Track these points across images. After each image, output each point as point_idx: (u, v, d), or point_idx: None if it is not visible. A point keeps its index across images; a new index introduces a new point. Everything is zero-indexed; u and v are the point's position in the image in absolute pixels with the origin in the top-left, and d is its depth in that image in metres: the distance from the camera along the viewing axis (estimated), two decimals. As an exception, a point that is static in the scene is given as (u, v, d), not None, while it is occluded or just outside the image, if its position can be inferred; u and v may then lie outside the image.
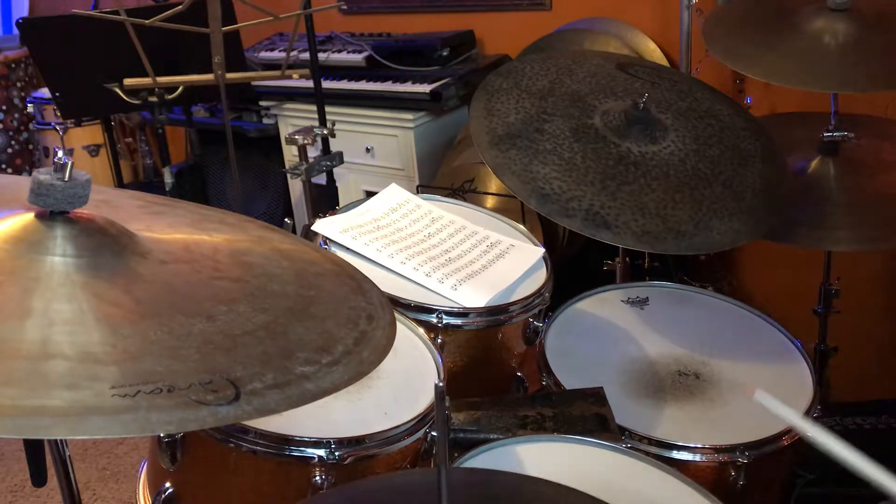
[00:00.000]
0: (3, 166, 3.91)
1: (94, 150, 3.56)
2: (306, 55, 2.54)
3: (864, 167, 1.64)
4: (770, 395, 0.95)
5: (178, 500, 1.09)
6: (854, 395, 2.00)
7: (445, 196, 1.87)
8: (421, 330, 1.28)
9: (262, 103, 3.07)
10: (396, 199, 1.60)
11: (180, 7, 1.76)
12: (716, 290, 1.86)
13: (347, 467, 1.02)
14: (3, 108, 3.87)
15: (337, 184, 2.63)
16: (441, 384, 0.66)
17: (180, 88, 2.32)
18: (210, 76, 1.85)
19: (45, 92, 3.49)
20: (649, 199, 1.36)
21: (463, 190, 2.35)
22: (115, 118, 3.64)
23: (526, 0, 2.85)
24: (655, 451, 1.21)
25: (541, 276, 1.49)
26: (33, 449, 1.06)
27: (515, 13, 2.90)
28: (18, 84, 3.93)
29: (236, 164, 1.96)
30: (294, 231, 2.07)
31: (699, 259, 2.40)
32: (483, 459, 1.08)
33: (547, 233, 2.14)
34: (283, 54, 2.62)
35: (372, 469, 1.06)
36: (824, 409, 1.37)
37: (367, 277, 0.94)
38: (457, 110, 2.74)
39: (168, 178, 2.47)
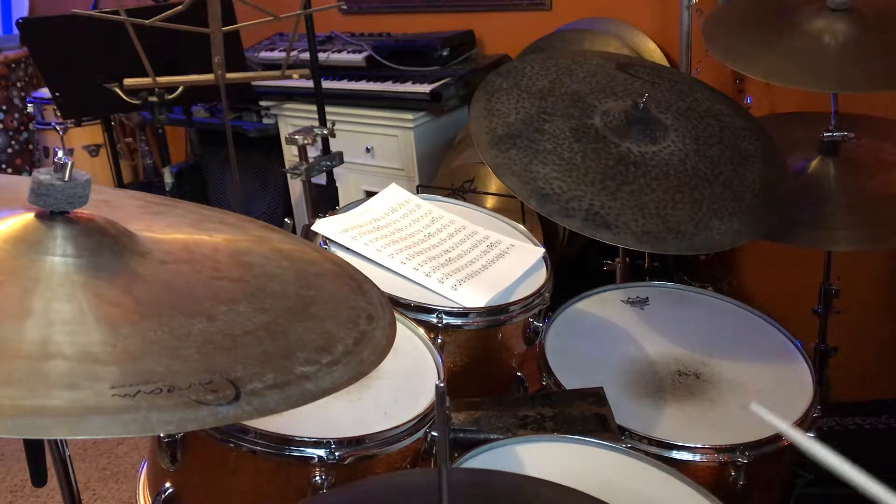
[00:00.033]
0: (3, 166, 3.91)
1: (94, 150, 3.56)
2: (306, 55, 2.54)
3: (864, 167, 1.64)
4: (766, 408, 0.95)
5: (178, 500, 1.09)
6: (854, 395, 2.00)
7: (445, 196, 1.87)
8: (421, 330, 1.28)
9: (262, 103, 3.07)
10: (396, 199, 1.60)
11: (180, 7, 1.76)
12: (716, 290, 1.86)
13: (347, 467, 1.02)
14: (3, 108, 3.87)
15: (337, 184, 2.63)
16: (441, 384, 0.66)
17: (180, 88, 2.32)
18: (210, 76, 1.85)
19: (45, 92, 3.49)
20: (649, 199, 1.36)
21: (463, 190, 2.35)
22: (115, 118, 3.63)
23: (526, 0, 2.85)
24: (655, 451, 1.21)
25: (541, 276, 1.49)
26: (33, 449, 1.06)
27: (515, 13, 2.90)
28: (18, 84, 3.93)
29: (236, 164, 1.96)
30: (294, 231, 2.07)
31: (699, 259, 2.40)
32: (483, 459, 1.08)
33: (547, 233, 2.14)
34: (283, 54, 2.62)
35: (372, 469, 1.06)
36: (824, 409, 1.37)
37: (367, 277, 0.94)
38: (457, 110, 2.74)
39: (168, 178, 2.47)
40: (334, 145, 2.46)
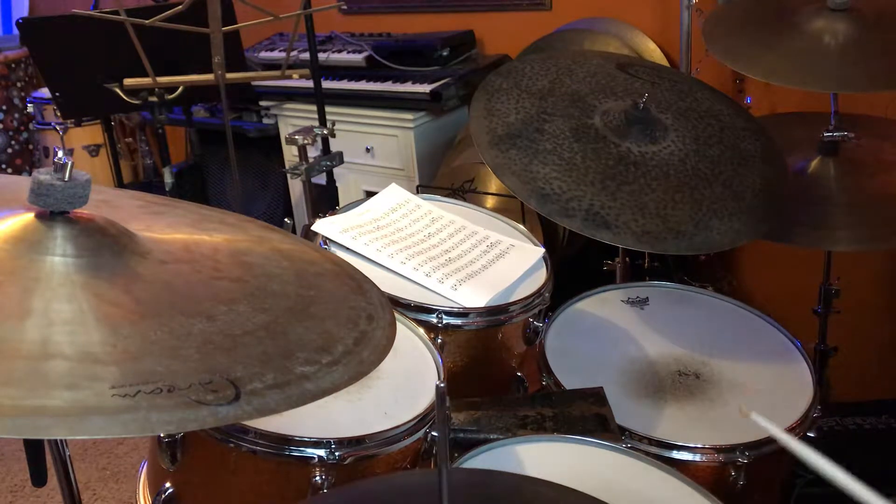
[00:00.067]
0: (3, 166, 3.91)
1: (94, 150, 3.56)
2: (306, 55, 2.54)
3: (864, 167, 1.64)
4: (767, 406, 0.96)
5: (178, 500, 1.09)
6: (854, 395, 2.00)
7: (445, 196, 1.87)
8: (421, 330, 1.28)
9: (262, 103, 3.07)
10: (396, 199, 1.60)
11: (180, 7, 1.76)
12: (716, 290, 1.86)
13: (347, 467, 1.02)
14: (3, 108, 3.87)
15: (337, 184, 2.63)
16: (442, 384, 0.66)
17: (180, 88, 2.32)
18: (210, 76, 1.85)
19: (45, 92, 3.49)
20: (649, 199, 1.36)
21: (463, 190, 2.35)
22: (115, 118, 3.63)
23: (526, 0, 2.85)
24: (655, 451, 1.21)
25: (541, 276, 1.49)
26: (33, 449, 1.06)
27: (515, 13, 2.90)
28: (18, 84, 3.93)
29: (236, 164, 1.96)
30: (294, 231, 2.07)
31: (699, 259, 2.40)
32: (483, 459, 1.08)
33: (547, 233, 2.14)
34: (283, 54, 2.62)
35: (372, 469, 1.06)
36: (824, 409, 1.37)
37: (367, 277, 0.94)
38: (457, 110, 2.74)
39: (168, 178, 2.47)
40: (334, 145, 2.46)
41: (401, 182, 1.75)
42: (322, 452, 1.00)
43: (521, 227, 1.64)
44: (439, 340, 1.31)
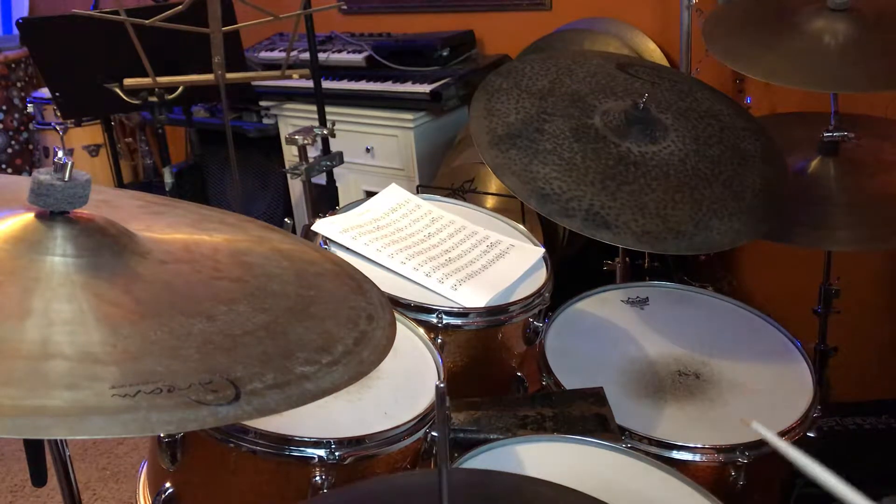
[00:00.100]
0: (3, 166, 3.91)
1: (94, 150, 3.56)
2: (306, 55, 2.54)
3: (864, 167, 1.64)
4: (767, 406, 0.96)
5: (178, 500, 1.09)
6: (854, 395, 2.00)
7: (445, 196, 1.87)
8: (421, 330, 1.28)
9: (262, 103, 3.07)
10: (396, 199, 1.60)
11: (180, 7, 1.76)
12: (716, 290, 1.86)
13: (347, 467, 1.02)
14: (3, 108, 3.87)
15: (337, 184, 2.63)
16: (442, 385, 0.66)
17: (180, 88, 2.32)
18: (210, 76, 1.85)
19: (45, 92, 3.49)
20: (649, 199, 1.36)
21: (463, 190, 2.35)
22: (115, 118, 3.63)
23: (526, 0, 2.85)
24: (655, 451, 1.21)
25: (541, 276, 1.49)
26: (33, 449, 1.06)
27: (515, 13, 2.90)
28: (18, 84, 3.93)
29: (236, 164, 1.96)
30: (294, 231, 2.07)
31: (699, 259, 2.40)
32: (483, 459, 1.08)
33: (547, 233, 2.14)
34: (283, 54, 2.62)
35: (372, 469, 1.06)
36: (824, 409, 1.37)
37: (367, 277, 0.94)
38: (457, 110, 2.74)
39: (168, 178, 2.47)
40: (334, 145, 2.46)
41: (401, 182, 1.75)
42: (322, 452, 1.00)
43: (521, 227, 1.64)
44: (439, 340, 1.31)
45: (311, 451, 1.01)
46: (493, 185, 2.28)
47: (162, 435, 1.03)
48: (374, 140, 2.78)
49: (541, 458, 1.10)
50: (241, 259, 0.87)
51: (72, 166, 0.74)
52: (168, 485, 1.09)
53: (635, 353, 1.46)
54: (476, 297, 1.36)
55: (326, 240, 1.44)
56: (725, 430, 1.26)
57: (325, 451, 1.00)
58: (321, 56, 2.78)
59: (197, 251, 0.85)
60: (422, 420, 1.09)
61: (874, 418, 1.83)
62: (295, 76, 2.01)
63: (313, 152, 2.30)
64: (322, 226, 1.47)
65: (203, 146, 3.14)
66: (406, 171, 2.74)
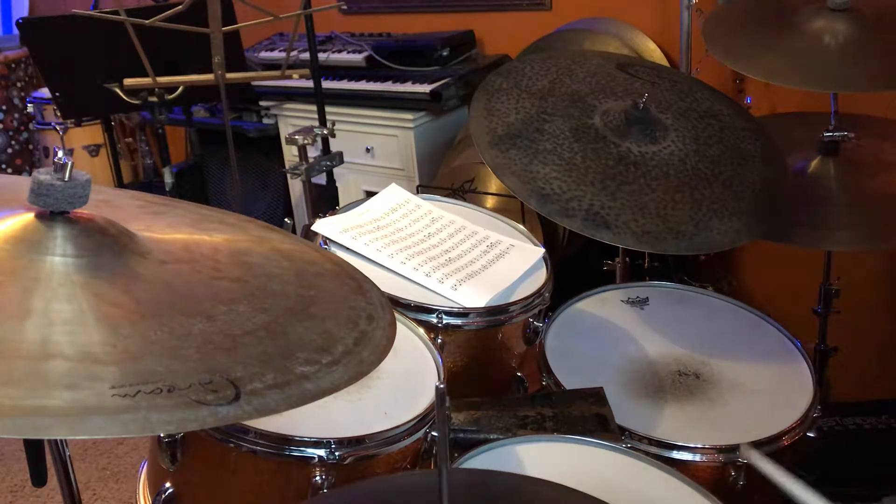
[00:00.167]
0: (3, 166, 3.91)
1: (94, 150, 3.56)
2: (306, 55, 2.54)
3: (864, 167, 1.64)
4: (758, 453, 0.96)
5: (178, 500, 1.09)
6: (854, 395, 2.00)
7: (445, 196, 1.87)
8: (421, 330, 1.28)
9: (262, 103, 3.07)
10: (396, 199, 1.60)
11: (180, 7, 1.76)
12: (716, 290, 1.86)
13: (347, 467, 1.02)
14: (3, 108, 3.87)
15: (337, 184, 2.63)
16: (442, 385, 0.66)
17: (180, 88, 2.32)
18: (210, 76, 1.85)
19: (45, 92, 3.49)
20: (649, 199, 1.36)
21: (463, 190, 2.35)
22: (115, 118, 3.63)
23: (526, 0, 2.85)
24: (655, 451, 1.21)
25: (541, 276, 1.49)
26: (33, 449, 1.06)
27: (515, 13, 2.90)
28: (18, 84, 3.93)
29: (236, 164, 1.96)
30: (294, 231, 2.07)
31: (699, 259, 2.40)
32: (483, 459, 1.08)
33: (547, 233, 2.14)
34: (283, 54, 2.62)
35: (372, 469, 1.06)
36: (824, 409, 1.37)
37: (367, 277, 0.94)
38: (457, 110, 2.74)
39: (168, 178, 2.47)
40: (334, 145, 2.46)
41: (401, 182, 1.75)
42: (322, 452, 1.00)
43: (521, 227, 1.64)
44: (439, 340, 1.31)
45: (311, 451, 1.01)
46: (493, 185, 2.28)
47: (162, 435, 1.03)
48: (374, 140, 2.78)
49: (541, 458, 1.10)
50: (241, 259, 0.87)
51: (72, 166, 0.74)
52: (168, 485, 1.09)
53: (635, 353, 1.46)
54: (476, 297, 1.36)
55: (326, 240, 1.44)
56: (725, 430, 1.26)
57: (325, 451, 1.00)
58: (321, 56, 2.78)
59: (197, 251, 0.85)
60: (422, 420, 1.09)
61: (874, 418, 1.83)
62: (295, 76, 2.01)
63: (313, 152, 2.30)
64: (322, 226, 1.47)
65: (203, 146, 3.14)
66: (406, 171, 2.74)
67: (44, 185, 0.74)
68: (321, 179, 2.47)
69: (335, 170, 2.48)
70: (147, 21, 1.76)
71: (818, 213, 1.55)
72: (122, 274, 0.75)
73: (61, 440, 0.94)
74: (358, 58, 2.87)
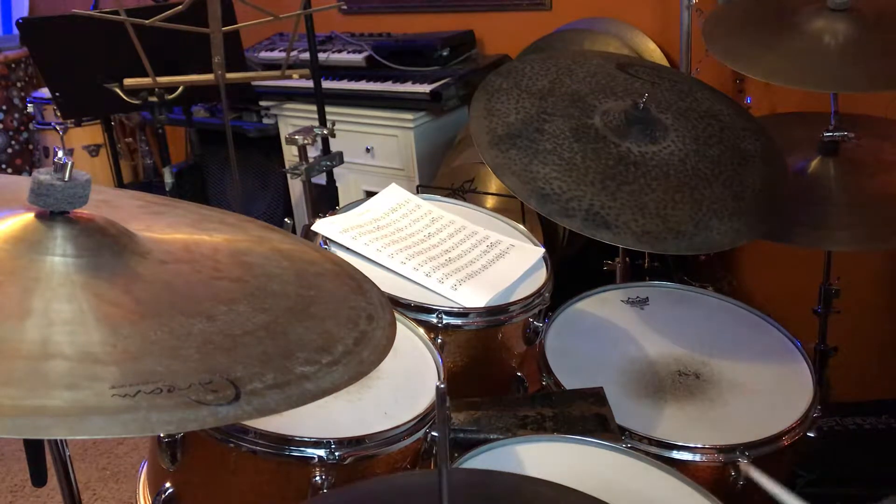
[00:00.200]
0: (3, 166, 3.91)
1: (94, 150, 3.56)
2: (306, 55, 2.54)
3: (864, 167, 1.64)
4: (759, 470, 0.96)
5: (178, 500, 1.09)
6: (854, 395, 2.00)
7: (445, 196, 1.87)
8: (421, 330, 1.28)
9: (262, 103, 3.07)
10: (396, 199, 1.60)
11: (180, 7, 1.76)
12: (716, 290, 1.86)
13: (347, 467, 1.02)
14: (3, 108, 3.87)
15: (337, 184, 2.63)
16: (442, 385, 0.66)
17: (180, 88, 2.32)
18: (210, 76, 1.85)
19: (45, 92, 3.49)
20: (649, 199, 1.36)
21: (463, 190, 2.35)
22: (115, 118, 3.63)
23: (526, 0, 2.85)
24: (655, 451, 1.21)
25: (541, 276, 1.49)
26: (33, 449, 1.06)
27: (515, 13, 2.90)
28: (18, 84, 3.93)
29: (236, 164, 1.96)
30: (294, 231, 2.07)
31: (699, 259, 2.40)
32: (483, 459, 1.08)
33: (547, 233, 2.14)
34: (283, 54, 2.62)
35: (372, 469, 1.06)
36: (824, 409, 1.37)
37: (367, 277, 0.94)
38: (457, 110, 2.74)
39: (168, 178, 2.47)
40: (334, 145, 2.46)
41: (401, 182, 1.75)
42: (322, 452, 1.00)
43: (521, 227, 1.64)
44: (439, 340, 1.31)
45: (311, 451, 1.01)
46: (493, 185, 2.28)
47: (162, 435, 1.03)
48: (374, 140, 2.78)
49: (541, 458, 1.10)
50: (241, 259, 0.87)
51: (72, 166, 0.74)
52: (168, 485, 1.09)
53: (635, 353, 1.46)
54: (476, 297, 1.36)
55: (326, 240, 1.44)
56: (725, 430, 1.26)
57: (325, 451, 1.00)
58: (321, 56, 2.78)
59: (197, 251, 0.85)
60: (422, 420, 1.09)
61: (874, 418, 1.83)
62: (295, 76, 2.01)
63: (313, 152, 2.30)
64: (322, 226, 1.47)
65: (203, 146, 3.14)
66: (406, 171, 2.74)
67: (44, 185, 0.74)
68: (321, 179, 2.47)
69: (335, 170, 2.48)
70: (147, 21, 1.76)
71: (818, 213, 1.55)
72: (122, 274, 0.75)
73: (61, 440, 0.94)
74: (358, 58, 2.87)
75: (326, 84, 2.76)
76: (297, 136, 2.08)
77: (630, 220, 1.33)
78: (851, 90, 1.69)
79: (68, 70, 2.47)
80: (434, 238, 1.51)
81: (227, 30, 1.80)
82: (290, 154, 3.01)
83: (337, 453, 1.01)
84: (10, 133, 3.90)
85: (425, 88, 2.62)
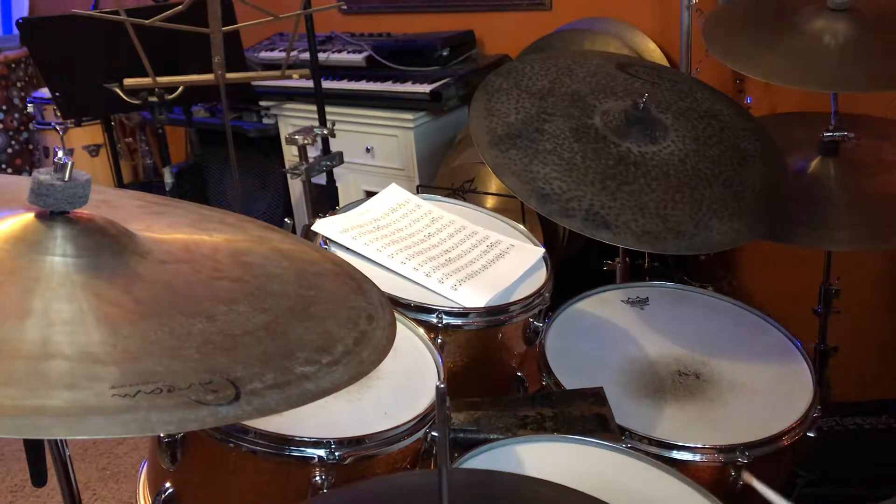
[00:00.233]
0: (3, 166, 3.91)
1: (94, 150, 3.56)
2: (306, 55, 2.54)
3: (864, 167, 1.64)
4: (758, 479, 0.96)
5: (178, 500, 1.09)
6: (854, 395, 2.00)
7: (445, 196, 1.87)
8: (421, 330, 1.28)
9: (262, 103, 3.07)
10: (396, 199, 1.60)
11: (180, 7, 1.76)
12: (716, 290, 1.86)
13: (347, 467, 1.02)
14: (3, 108, 3.87)
15: (337, 184, 2.63)
16: (442, 385, 0.66)
17: (180, 88, 2.32)
18: (210, 76, 1.85)
19: (45, 92, 3.49)
20: (649, 199, 1.36)
21: (463, 190, 2.35)
22: (115, 118, 3.63)
23: (526, 0, 2.85)
24: (655, 451, 1.21)
25: (541, 276, 1.49)
26: (33, 449, 1.06)
27: (515, 13, 2.90)
28: (18, 84, 3.93)
29: (236, 164, 1.96)
30: (294, 231, 2.07)
31: (699, 259, 2.40)
32: (483, 459, 1.08)
33: (547, 233, 2.14)
34: (283, 54, 2.62)
35: (372, 469, 1.06)
36: (824, 409, 1.37)
37: (367, 277, 0.94)
38: (457, 110, 2.74)
39: (168, 178, 2.47)
40: (334, 145, 2.46)
41: (401, 182, 1.75)
42: (322, 452, 1.00)
43: (521, 227, 1.64)
44: (439, 340, 1.31)
45: (311, 451, 1.01)
46: (493, 185, 2.28)
47: (162, 435, 1.03)
48: (374, 140, 2.78)
49: (541, 458, 1.10)
50: (241, 259, 0.87)
51: (72, 166, 0.74)
52: (168, 485, 1.09)
53: (635, 353, 1.46)
54: (476, 297, 1.36)
55: (326, 240, 1.44)
56: (725, 430, 1.26)
57: (325, 451, 1.00)
58: (321, 56, 2.78)
59: (197, 251, 0.85)
60: (422, 420, 1.09)
61: (874, 418, 1.83)
62: (295, 76, 2.01)
63: (313, 152, 2.30)
64: (322, 226, 1.47)
65: (203, 146, 3.14)
66: (406, 171, 2.74)
67: (44, 185, 0.74)
68: (321, 179, 2.47)
69: (335, 170, 2.48)
70: (147, 21, 1.76)
71: (818, 213, 1.55)
72: (122, 274, 0.75)
73: (61, 440, 0.94)
74: (358, 58, 2.87)
75: (326, 84, 2.76)
76: (297, 136, 2.08)
77: (630, 220, 1.33)
78: (851, 90, 1.69)
79: (68, 70, 2.47)
80: (434, 238, 1.51)
81: (227, 30, 1.80)
82: (290, 154, 3.01)
83: (337, 453, 1.01)
84: (10, 133, 3.90)
85: (425, 88, 2.62)
